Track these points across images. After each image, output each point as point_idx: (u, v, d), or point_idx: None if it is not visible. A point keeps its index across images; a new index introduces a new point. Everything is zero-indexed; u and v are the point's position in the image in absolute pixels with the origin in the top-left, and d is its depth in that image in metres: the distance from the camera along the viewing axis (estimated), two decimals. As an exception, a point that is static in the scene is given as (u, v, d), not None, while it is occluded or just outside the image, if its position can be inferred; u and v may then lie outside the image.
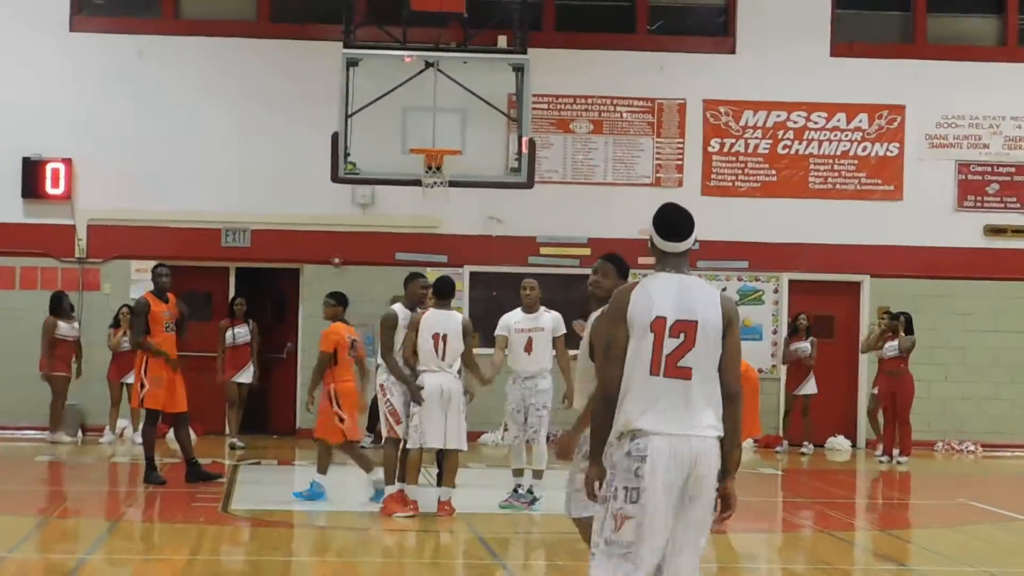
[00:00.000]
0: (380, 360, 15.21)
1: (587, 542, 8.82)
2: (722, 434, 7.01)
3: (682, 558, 6.96)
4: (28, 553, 12.37)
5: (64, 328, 22.49)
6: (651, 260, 25.05)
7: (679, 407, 6.92)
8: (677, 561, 6.95)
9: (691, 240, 7.16)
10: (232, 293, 23.64)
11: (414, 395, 14.68)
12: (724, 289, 23.04)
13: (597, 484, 7.08)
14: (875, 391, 23.31)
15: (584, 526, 9.05)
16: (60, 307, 22.55)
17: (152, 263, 23.50)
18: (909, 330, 22.50)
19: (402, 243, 24.06)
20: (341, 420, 15.73)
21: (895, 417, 22.43)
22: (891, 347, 22.51)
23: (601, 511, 7.01)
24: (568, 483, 9.34)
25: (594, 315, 9.13)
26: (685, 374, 6.95)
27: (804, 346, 23.37)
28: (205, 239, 23.94)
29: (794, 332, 23.66)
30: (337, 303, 16.08)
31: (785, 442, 23.61)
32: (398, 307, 15.27)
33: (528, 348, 15.69)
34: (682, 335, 6.97)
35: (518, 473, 15.87)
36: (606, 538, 6.93)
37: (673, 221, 7.18)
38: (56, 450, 21.44)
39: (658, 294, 7.05)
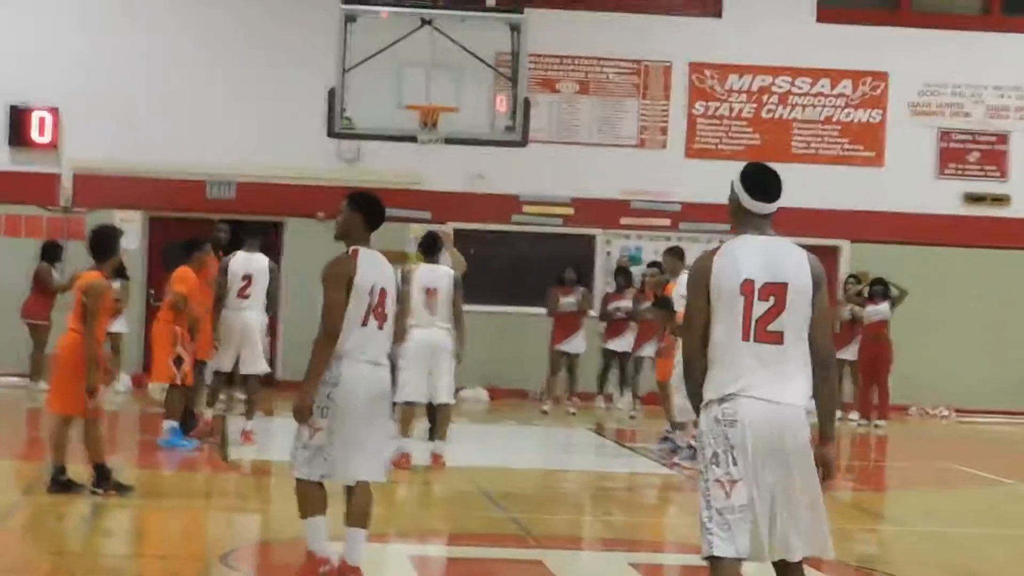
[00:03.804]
0: None
1: (304, 501, 8.87)
2: (812, 402, 6.75)
3: (785, 526, 6.62)
4: (38, 496, 12.46)
5: (56, 277, 22.35)
6: (631, 221, 24.74)
7: (770, 373, 6.66)
8: (779, 529, 6.61)
9: (779, 201, 6.91)
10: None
11: None
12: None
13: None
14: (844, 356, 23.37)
15: (303, 486, 8.92)
16: (55, 255, 22.18)
17: (136, 213, 23.74)
18: (887, 294, 22.70)
19: (385, 198, 23.77)
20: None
21: (874, 380, 22.64)
22: (874, 311, 22.67)
23: (702, 484, 6.71)
24: (296, 438, 8.93)
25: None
26: (776, 338, 6.70)
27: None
28: (190, 191, 23.94)
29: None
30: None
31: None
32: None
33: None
34: (772, 298, 6.71)
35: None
36: (718, 508, 6.60)
37: (764, 181, 6.93)
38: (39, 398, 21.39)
39: (744, 257, 6.77)
